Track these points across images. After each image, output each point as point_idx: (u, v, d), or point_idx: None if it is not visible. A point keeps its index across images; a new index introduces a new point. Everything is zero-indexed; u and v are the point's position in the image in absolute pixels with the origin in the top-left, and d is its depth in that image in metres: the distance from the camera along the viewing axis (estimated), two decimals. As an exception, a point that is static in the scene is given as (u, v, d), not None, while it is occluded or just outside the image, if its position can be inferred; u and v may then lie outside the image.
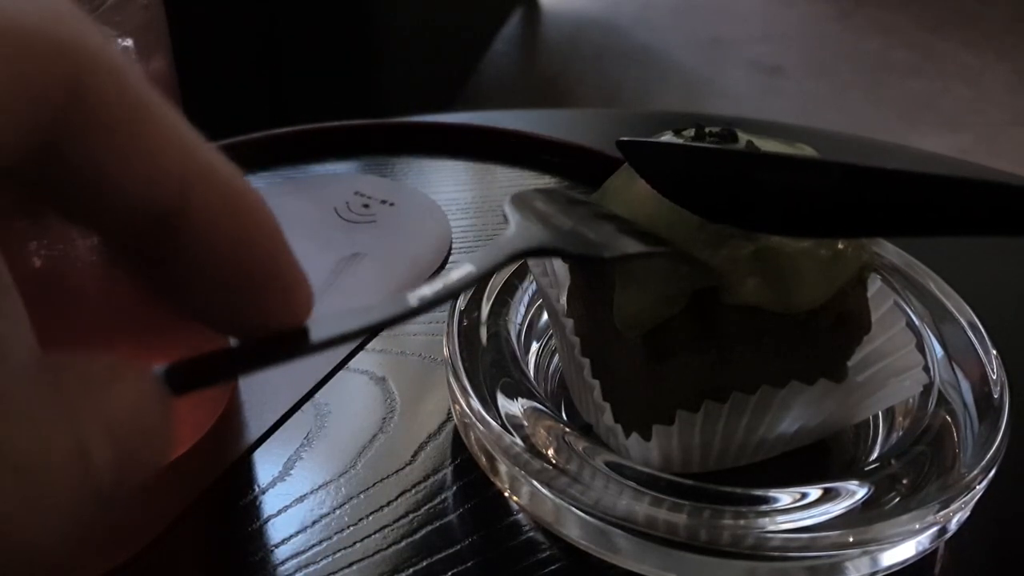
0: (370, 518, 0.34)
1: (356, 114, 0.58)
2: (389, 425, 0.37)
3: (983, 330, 0.36)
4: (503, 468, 0.32)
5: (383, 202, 0.50)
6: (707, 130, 0.33)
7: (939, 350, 0.35)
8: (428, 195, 0.51)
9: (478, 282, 0.19)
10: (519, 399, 0.33)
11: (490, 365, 0.34)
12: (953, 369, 0.35)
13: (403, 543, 0.33)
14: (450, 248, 0.47)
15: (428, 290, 0.16)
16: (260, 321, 0.13)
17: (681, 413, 0.31)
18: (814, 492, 0.30)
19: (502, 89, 1.83)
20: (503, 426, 0.32)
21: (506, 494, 0.33)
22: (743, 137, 0.33)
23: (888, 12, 2.12)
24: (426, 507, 0.34)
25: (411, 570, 0.32)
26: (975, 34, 2.02)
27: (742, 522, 0.29)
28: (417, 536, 0.33)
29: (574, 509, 0.31)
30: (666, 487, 0.30)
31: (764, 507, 0.30)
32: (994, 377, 0.34)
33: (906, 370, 0.34)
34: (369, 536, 0.33)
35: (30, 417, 0.11)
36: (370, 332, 0.14)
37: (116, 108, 0.12)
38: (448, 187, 0.53)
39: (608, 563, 0.32)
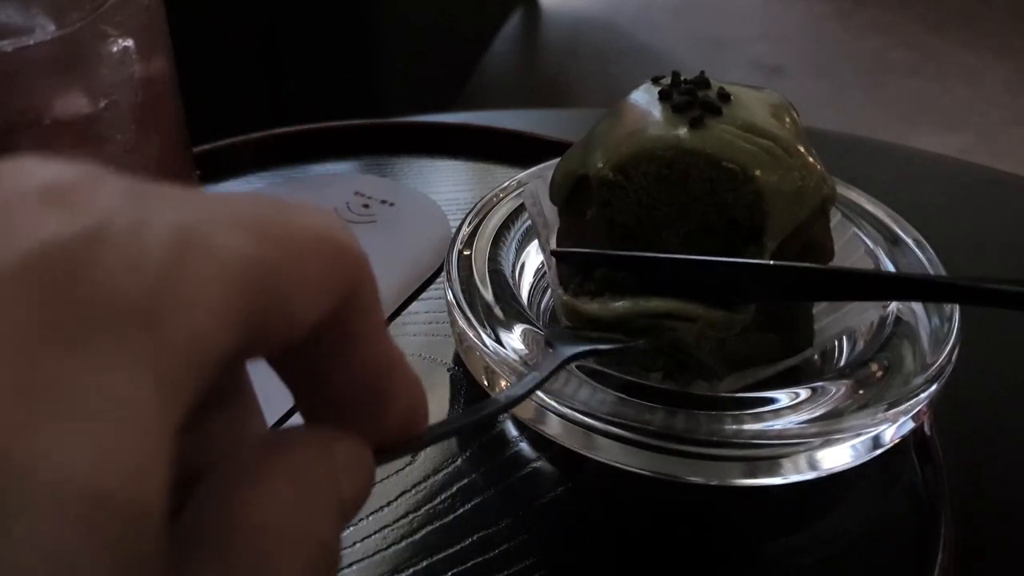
0: (370, 518, 0.34)
1: (356, 114, 0.58)
2: (389, 425, 0.37)
3: (931, 249, 0.39)
4: (503, 383, 0.34)
5: (383, 202, 0.50)
6: (683, 78, 0.36)
7: (892, 270, 0.39)
8: (428, 195, 0.51)
9: (544, 383, 0.27)
10: (517, 325, 0.36)
11: (490, 297, 0.37)
12: None
13: (403, 543, 0.33)
14: (450, 248, 0.47)
15: (514, 391, 0.22)
16: (389, 438, 0.17)
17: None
18: (781, 397, 0.33)
19: (502, 89, 1.83)
20: (500, 343, 0.35)
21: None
22: (715, 84, 0.36)
23: (888, 12, 2.12)
24: (426, 507, 0.34)
25: (411, 570, 0.32)
26: (975, 34, 2.02)
27: (709, 424, 0.32)
28: (417, 536, 0.33)
29: (566, 410, 0.33)
30: (640, 393, 0.33)
31: (729, 411, 0.32)
32: None
33: None
34: (369, 536, 0.33)
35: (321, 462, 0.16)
36: (474, 428, 0.19)
37: (371, 303, 0.16)
38: (448, 187, 0.53)
39: (607, 556, 0.32)
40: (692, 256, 0.33)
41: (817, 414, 0.32)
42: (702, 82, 0.36)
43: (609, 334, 0.33)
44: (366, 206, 0.50)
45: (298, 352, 0.16)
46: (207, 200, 0.14)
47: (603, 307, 0.33)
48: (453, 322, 0.37)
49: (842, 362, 0.37)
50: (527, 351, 0.34)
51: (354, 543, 0.33)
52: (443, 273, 0.39)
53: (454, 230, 0.41)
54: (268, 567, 0.14)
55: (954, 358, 0.34)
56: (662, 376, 0.34)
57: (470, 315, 0.36)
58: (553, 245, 0.38)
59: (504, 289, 0.38)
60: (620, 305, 0.33)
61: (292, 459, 0.15)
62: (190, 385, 0.12)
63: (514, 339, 0.35)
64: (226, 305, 0.13)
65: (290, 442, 0.15)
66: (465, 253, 0.39)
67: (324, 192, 0.51)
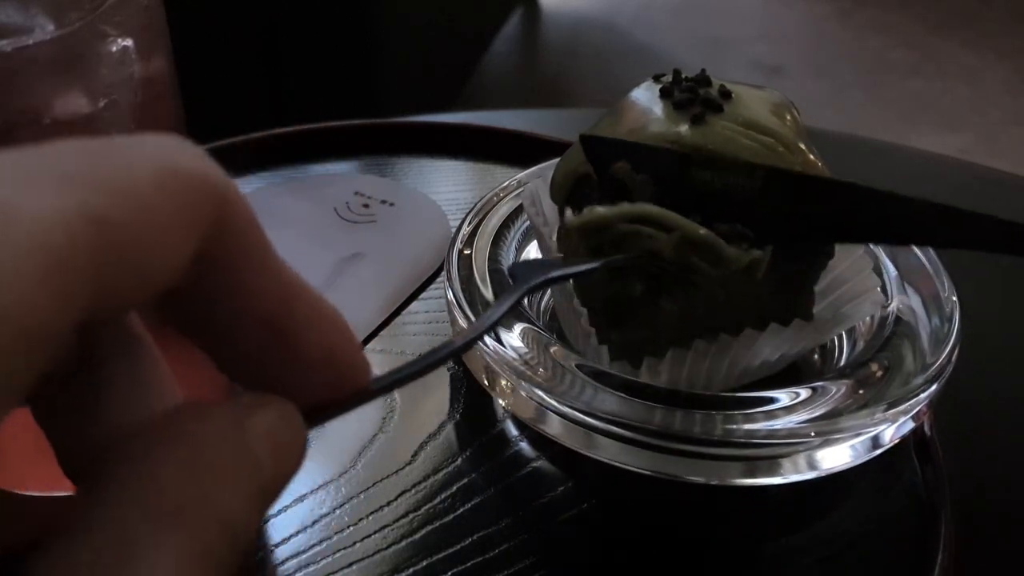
0: (370, 518, 0.34)
1: (356, 114, 0.58)
2: (389, 425, 0.37)
3: (931, 249, 0.39)
4: (503, 382, 0.34)
5: (383, 202, 0.50)
6: (684, 75, 0.36)
7: (893, 270, 0.38)
8: (428, 195, 0.51)
9: (503, 316, 0.24)
10: (517, 323, 0.36)
11: (490, 297, 0.37)
12: (905, 289, 0.38)
13: (403, 543, 0.33)
14: (450, 248, 0.47)
15: (477, 324, 0.21)
16: (328, 392, 0.16)
17: (675, 350, 0.34)
18: (781, 396, 0.33)
19: (502, 89, 1.83)
20: (500, 343, 0.35)
21: (502, 403, 0.35)
22: (716, 82, 0.36)
23: (888, 12, 2.12)
24: (426, 507, 0.34)
25: (411, 570, 0.32)
26: (975, 34, 2.02)
27: (708, 423, 0.31)
28: (417, 536, 0.33)
29: (567, 409, 0.33)
30: (641, 392, 0.32)
31: (729, 410, 0.32)
32: (945, 294, 0.37)
33: (865, 292, 0.37)
34: (369, 536, 0.33)
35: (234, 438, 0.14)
36: (428, 371, 0.18)
37: (247, 231, 0.15)
38: (448, 187, 0.53)
39: (607, 556, 0.32)
40: (728, 154, 0.33)
41: (817, 414, 0.32)
42: (703, 80, 0.36)
43: (581, 259, 0.32)
44: (366, 206, 0.50)
45: (180, 301, 0.14)
46: (13, 159, 0.13)
47: (589, 211, 0.32)
48: (453, 321, 0.37)
49: (842, 362, 0.37)
50: (527, 350, 0.34)
51: (354, 543, 0.33)
52: (443, 273, 0.39)
53: (454, 230, 0.41)
54: (136, 551, 0.12)
55: (954, 358, 0.34)
56: (641, 291, 0.33)
57: (470, 314, 0.36)
58: (554, 241, 0.38)
59: (504, 288, 0.38)
60: (606, 208, 0.32)
61: (187, 430, 0.14)
62: (5, 363, 0.11)
63: (514, 339, 0.35)
64: (34, 274, 0.11)
65: (190, 413, 0.14)
66: (465, 252, 0.39)
67: (324, 192, 0.51)
